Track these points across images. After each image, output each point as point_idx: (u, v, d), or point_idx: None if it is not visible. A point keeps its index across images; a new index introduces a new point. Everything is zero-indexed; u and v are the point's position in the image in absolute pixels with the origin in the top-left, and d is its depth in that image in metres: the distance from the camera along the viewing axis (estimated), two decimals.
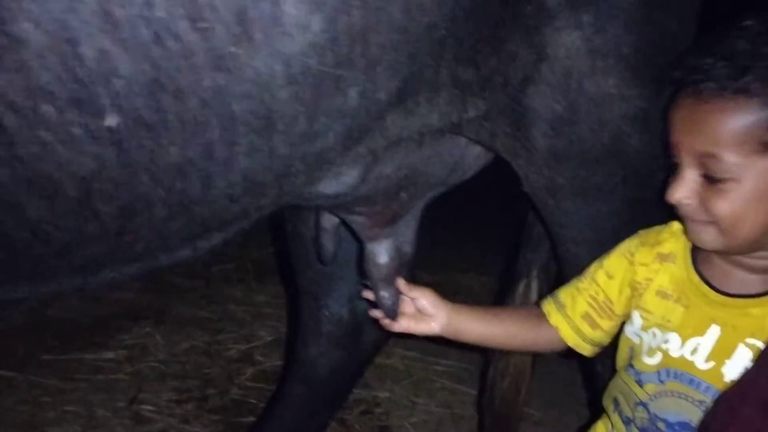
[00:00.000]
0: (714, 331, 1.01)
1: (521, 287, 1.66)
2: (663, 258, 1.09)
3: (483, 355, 1.84)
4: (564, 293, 1.18)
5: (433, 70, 1.01)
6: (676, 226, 1.12)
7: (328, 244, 1.43)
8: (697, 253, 1.07)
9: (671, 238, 1.11)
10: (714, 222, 0.97)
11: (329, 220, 1.40)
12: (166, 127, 0.76)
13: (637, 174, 1.29)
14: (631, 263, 1.11)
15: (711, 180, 0.96)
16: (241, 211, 0.98)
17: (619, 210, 1.30)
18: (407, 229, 1.38)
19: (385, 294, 1.27)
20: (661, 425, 1.04)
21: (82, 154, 0.74)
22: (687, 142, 0.97)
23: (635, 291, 1.10)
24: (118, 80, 0.70)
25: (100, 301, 2.58)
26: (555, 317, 1.16)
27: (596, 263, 1.17)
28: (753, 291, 1.01)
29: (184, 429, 2.00)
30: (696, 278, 1.05)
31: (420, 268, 1.61)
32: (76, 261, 0.91)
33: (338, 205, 1.26)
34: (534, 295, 1.66)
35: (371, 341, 1.75)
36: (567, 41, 1.15)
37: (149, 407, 2.07)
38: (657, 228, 1.14)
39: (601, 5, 1.15)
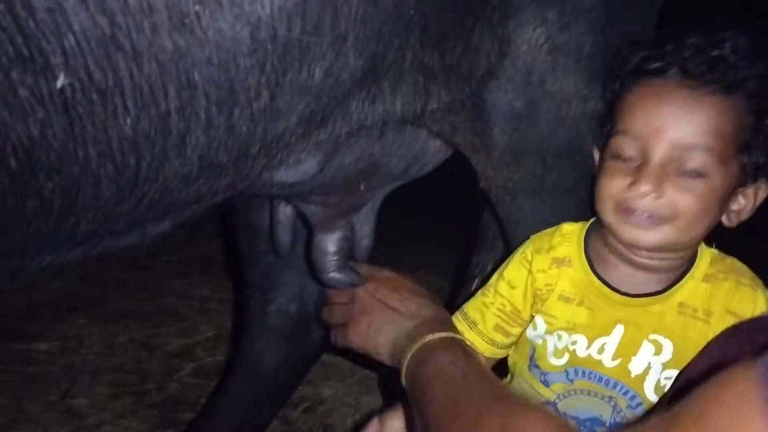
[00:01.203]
0: (618, 331, 1.04)
1: (474, 288, 1.66)
2: (559, 263, 1.09)
3: None
4: (472, 309, 1.18)
5: (399, 52, 0.99)
6: (566, 228, 1.13)
7: (284, 236, 1.39)
8: (592, 256, 1.08)
9: (564, 242, 1.11)
10: (670, 219, 0.96)
11: (284, 211, 1.36)
12: (120, 93, 0.71)
13: (591, 175, 1.30)
14: (530, 271, 1.11)
15: (681, 173, 0.94)
16: (194, 195, 0.93)
17: (573, 211, 1.30)
18: (365, 222, 1.35)
19: (338, 276, 1.25)
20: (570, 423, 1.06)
21: (26, 120, 0.68)
22: (669, 130, 0.94)
23: (537, 297, 1.11)
24: (71, 36, 0.65)
25: (34, 289, 2.47)
26: (469, 335, 1.16)
27: (497, 274, 1.17)
28: (652, 290, 1.04)
29: (119, 424, 1.92)
30: (596, 281, 1.06)
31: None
32: (13, 241, 0.86)
33: (295, 194, 1.23)
34: None
35: (319, 337, 1.72)
36: (530, 37, 1.14)
37: (83, 401, 1.98)
38: (547, 231, 1.14)
39: (566, 3, 1.14)
